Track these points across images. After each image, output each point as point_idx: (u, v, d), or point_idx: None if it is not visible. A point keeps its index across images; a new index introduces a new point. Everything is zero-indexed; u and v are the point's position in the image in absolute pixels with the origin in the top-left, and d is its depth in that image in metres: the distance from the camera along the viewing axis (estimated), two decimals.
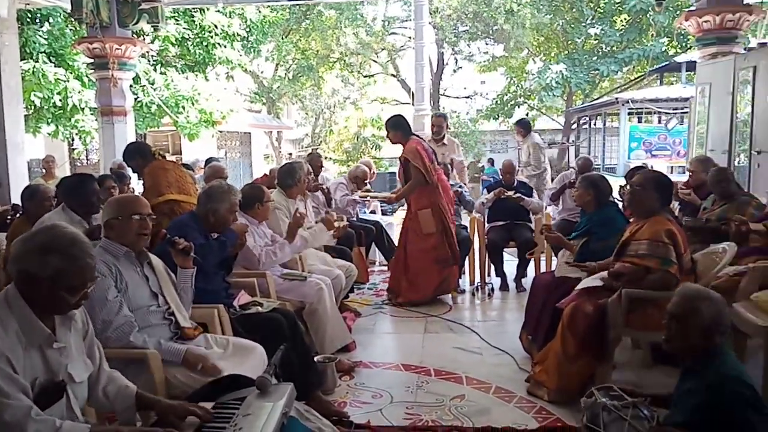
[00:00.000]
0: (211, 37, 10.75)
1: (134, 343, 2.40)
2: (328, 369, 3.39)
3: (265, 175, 6.21)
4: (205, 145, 13.68)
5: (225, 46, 10.96)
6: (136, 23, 7.94)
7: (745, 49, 5.96)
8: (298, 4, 15.43)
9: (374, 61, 20.07)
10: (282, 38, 16.78)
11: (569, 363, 3.13)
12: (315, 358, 3.37)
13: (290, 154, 22.16)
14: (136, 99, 9.69)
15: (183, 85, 10.53)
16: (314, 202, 5.65)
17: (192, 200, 3.82)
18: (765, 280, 3.33)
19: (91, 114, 9.44)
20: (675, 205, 4.84)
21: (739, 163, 5.53)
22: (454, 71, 20.20)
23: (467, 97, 20.97)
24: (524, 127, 7.75)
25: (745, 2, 6.28)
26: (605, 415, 2.11)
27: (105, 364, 2.05)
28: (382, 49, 19.41)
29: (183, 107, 10.40)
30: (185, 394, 2.29)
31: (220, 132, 14.59)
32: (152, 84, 10.21)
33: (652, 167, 5.19)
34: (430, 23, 15.64)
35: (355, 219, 6.23)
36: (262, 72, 19.28)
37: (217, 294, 3.09)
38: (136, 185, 6.41)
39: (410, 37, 17.15)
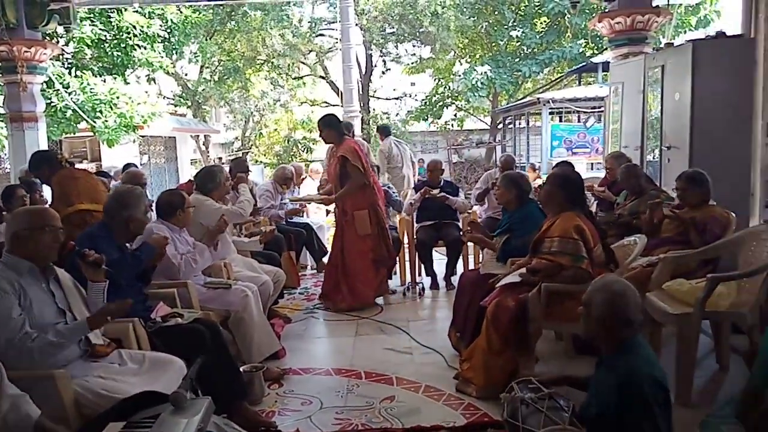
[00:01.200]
0: (130, 38, 10.33)
1: (40, 363, 2.25)
2: (255, 378, 3.31)
3: (190, 181, 6.00)
4: (127, 151, 13.13)
5: (145, 48, 10.55)
6: (46, 24, 7.51)
7: (654, 49, 6.26)
8: (221, 5, 15.07)
9: (303, 63, 19.87)
10: (206, 39, 16.34)
11: (494, 358, 3.19)
12: (241, 368, 3.29)
13: (219, 158, 21.64)
14: (49, 104, 9.18)
15: (100, 88, 10.05)
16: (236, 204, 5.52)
17: None
18: (676, 269, 3.50)
19: (0, 120, 8.88)
20: (592, 201, 5.03)
21: (653, 158, 5.80)
22: (383, 73, 20.28)
23: (397, 99, 21.12)
24: (382, 131, 8.63)
25: (653, 5, 6.61)
26: (524, 409, 2.15)
27: (8, 388, 1.91)
28: (310, 51, 19.24)
29: (101, 111, 9.93)
30: (96, 413, 2.17)
31: (143, 137, 14.05)
32: (66, 88, 9.69)
33: (559, 165, 5.35)
34: (356, 25, 15.66)
35: (284, 223, 6.14)
36: (186, 74, 18.71)
37: (133, 307, 2.95)
38: (48, 194, 6.06)
39: (338, 39, 17.11)
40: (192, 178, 5.93)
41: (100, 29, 10.17)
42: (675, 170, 4.87)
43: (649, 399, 1.99)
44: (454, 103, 19.76)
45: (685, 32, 14.75)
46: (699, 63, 4.86)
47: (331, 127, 5.03)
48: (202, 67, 17.90)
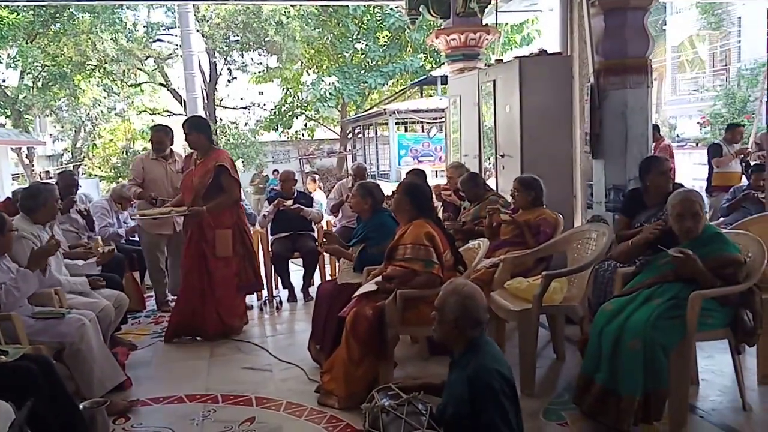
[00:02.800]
0: None
1: None
2: (98, 415, 3.01)
3: (8, 198, 5.35)
4: None
5: None
6: None
7: (486, 65, 6.74)
8: (42, 6, 13.73)
9: (140, 69, 18.68)
10: (26, 43, 14.79)
11: (355, 368, 3.21)
12: (81, 405, 2.98)
13: (47, 172, 19.65)
14: None
15: None
16: (73, 226, 5.05)
17: None
18: (515, 269, 3.79)
19: None
20: (438, 205, 5.28)
21: (489, 165, 6.23)
22: (229, 81, 19.75)
23: (245, 108, 20.66)
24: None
25: (484, 23, 7.12)
26: (384, 417, 2.19)
27: None
28: (148, 57, 18.15)
29: None
30: None
31: None
32: None
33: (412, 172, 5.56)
34: (198, 31, 15.09)
35: (123, 241, 5.70)
36: (4, 80, 16.79)
37: None
38: None
39: (178, 45, 16.35)
40: (10, 196, 5.30)
41: None
42: (509, 176, 5.26)
43: (497, 393, 2.12)
44: (303, 113, 19.81)
45: (511, 49, 16.12)
46: (525, 78, 5.29)
47: (202, 131, 4.46)
48: (22, 72, 16.17)
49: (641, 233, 3.25)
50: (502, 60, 6.37)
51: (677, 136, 20.34)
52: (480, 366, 2.15)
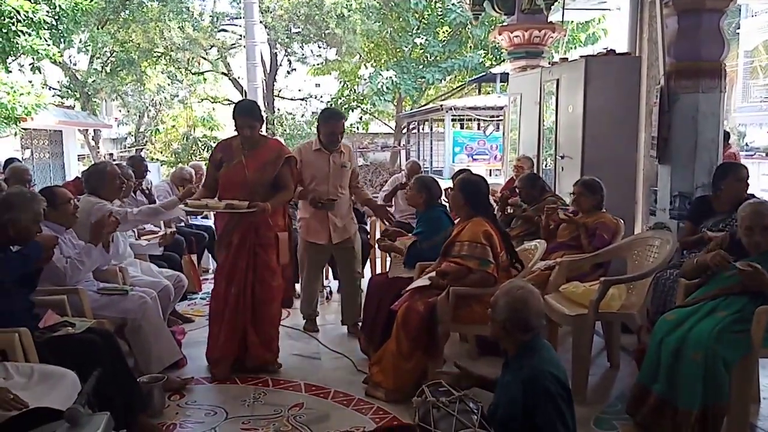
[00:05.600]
0: (13, 23, 9.49)
1: None
2: (155, 390, 3.14)
3: (77, 178, 5.58)
4: (7, 144, 12.07)
5: (30, 35, 9.73)
6: None
7: (549, 63, 6.61)
8: None
9: (204, 58, 19.15)
10: (97, 28, 15.36)
11: (404, 362, 3.22)
12: (139, 380, 3.10)
13: (110, 154, 20.41)
14: None
15: None
16: (137, 207, 5.23)
17: None
18: (571, 273, 3.71)
19: None
20: (495, 207, 5.22)
21: (546, 166, 6.12)
22: (288, 73, 20.01)
23: (302, 100, 20.92)
24: None
25: (549, 21, 6.98)
26: (435, 412, 2.18)
27: None
28: (212, 46, 18.57)
29: None
30: None
31: (25, 130, 12.95)
32: None
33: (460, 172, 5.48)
34: (261, 22, 15.33)
35: (184, 225, 5.89)
36: (74, 64, 17.50)
37: (18, 315, 2.70)
38: None
39: (241, 36, 16.67)
40: (79, 176, 5.53)
41: None
42: (568, 178, 5.16)
43: (554, 396, 2.08)
44: (359, 107, 19.89)
45: (575, 48, 15.75)
46: (591, 77, 5.16)
47: (262, 120, 3.88)
48: (92, 57, 16.81)
49: (706, 255, 3.04)
50: (567, 59, 6.23)
51: (746, 144, 19.47)
52: (535, 369, 2.12)
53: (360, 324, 4.23)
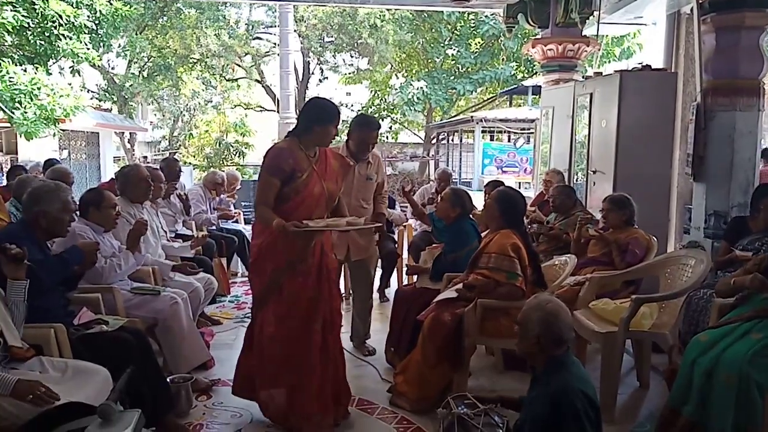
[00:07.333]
0: (55, 27, 9.79)
1: None
2: (183, 390, 3.18)
3: (112, 179, 5.70)
4: (46, 144, 12.41)
5: (71, 38, 10.02)
6: None
7: (583, 77, 6.56)
8: None
9: (238, 65, 19.51)
10: (136, 34, 15.74)
11: (429, 372, 3.22)
12: (168, 379, 3.15)
13: (145, 157, 20.83)
14: None
15: (21, 78, 9.45)
16: (171, 210, 5.33)
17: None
18: (601, 289, 3.66)
19: None
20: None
21: (576, 181, 6.06)
22: (320, 81, 20.24)
23: None
24: None
25: (583, 34, 6.94)
26: (459, 425, 2.17)
27: None
28: (246, 54, 18.92)
29: (20, 102, 9.33)
30: (15, 426, 2.02)
31: (63, 131, 13.31)
32: None
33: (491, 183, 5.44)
34: (295, 31, 15.54)
35: (215, 228, 5.98)
36: (113, 68, 17.95)
37: (54, 311, 2.77)
38: None
39: (275, 44, 16.92)
40: (114, 178, 5.65)
41: (23, 16, 9.57)
42: (600, 193, 5.10)
43: (580, 414, 2.06)
44: (389, 116, 19.97)
45: (609, 62, 15.56)
46: (625, 92, 5.10)
47: None
48: (130, 61, 17.23)
49: (745, 278, 2.97)
50: (600, 73, 6.18)
51: None
52: (564, 385, 2.09)
53: (367, 341, 4.26)
